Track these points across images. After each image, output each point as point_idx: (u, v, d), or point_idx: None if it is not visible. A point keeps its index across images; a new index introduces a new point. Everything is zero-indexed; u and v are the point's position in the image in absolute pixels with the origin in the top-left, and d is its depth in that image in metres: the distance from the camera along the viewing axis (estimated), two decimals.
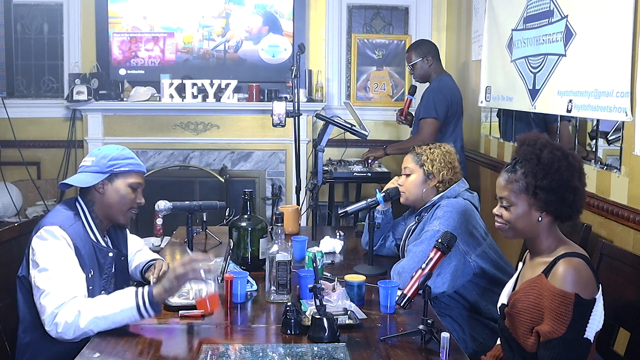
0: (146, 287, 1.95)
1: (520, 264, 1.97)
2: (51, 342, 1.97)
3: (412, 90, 4.32)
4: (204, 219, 3.02)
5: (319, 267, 2.32)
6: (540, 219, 1.82)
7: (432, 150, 2.55)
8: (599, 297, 1.72)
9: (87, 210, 2.16)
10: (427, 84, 4.14)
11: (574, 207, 1.81)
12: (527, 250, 1.93)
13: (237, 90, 5.01)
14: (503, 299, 1.95)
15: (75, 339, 1.89)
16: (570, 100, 2.71)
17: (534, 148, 1.82)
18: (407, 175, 2.58)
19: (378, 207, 2.65)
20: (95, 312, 1.89)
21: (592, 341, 1.70)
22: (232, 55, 5.22)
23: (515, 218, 1.85)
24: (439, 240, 1.95)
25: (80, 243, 2.06)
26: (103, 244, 2.18)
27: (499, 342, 2.11)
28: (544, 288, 1.72)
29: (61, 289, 1.94)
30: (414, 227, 2.55)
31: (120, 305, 1.90)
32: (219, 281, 2.28)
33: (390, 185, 2.68)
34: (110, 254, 2.16)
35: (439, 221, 2.35)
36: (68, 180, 2.17)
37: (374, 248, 2.61)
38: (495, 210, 1.91)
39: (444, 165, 2.51)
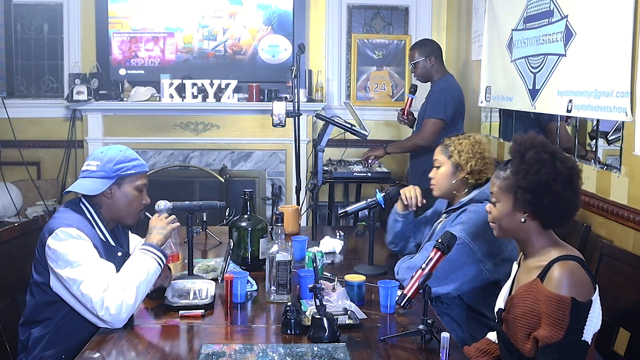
0: (152, 247, 2.10)
1: (516, 266, 1.96)
2: (62, 337, 2.04)
3: (413, 89, 4.30)
4: (204, 219, 3.02)
5: (319, 267, 2.32)
6: (523, 220, 1.81)
7: (460, 140, 2.49)
8: (596, 298, 1.72)
9: (95, 213, 2.16)
10: (428, 84, 4.14)
11: (556, 213, 1.78)
12: (522, 253, 1.92)
13: (237, 90, 5.01)
14: (500, 303, 1.94)
15: (126, 319, 1.96)
16: (570, 100, 2.71)
17: (521, 147, 1.82)
18: (437, 168, 2.54)
19: (398, 211, 2.65)
20: (133, 283, 1.98)
21: (589, 343, 1.70)
22: (232, 55, 5.23)
23: (499, 215, 1.86)
24: (439, 240, 1.95)
25: (95, 243, 2.08)
26: (113, 243, 2.19)
27: (488, 335, 2.11)
28: (539, 293, 1.71)
29: (100, 274, 1.98)
30: (440, 224, 2.53)
31: (147, 268, 2.04)
32: (220, 281, 2.29)
33: (407, 191, 2.66)
34: (119, 254, 2.16)
35: (462, 227, 2.30)
36: (74, 189, 2.14)
37: (396, 249, 2.63)
38: (487, 207, 1.93)
39: (472, 155, 2.44)
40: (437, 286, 2.24)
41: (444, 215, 2.54)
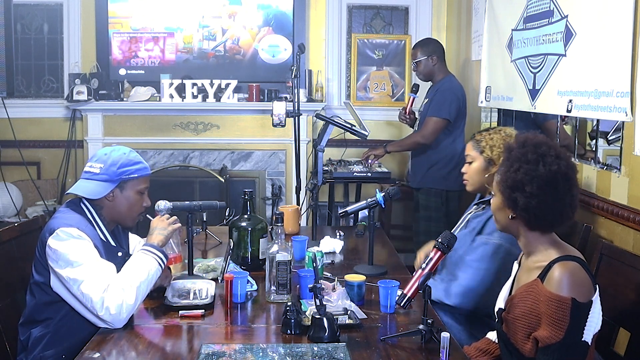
0: (153, 248, 2.10)
1: (516, 265, 1.96)
2: (62, 337, 2.04)
3: (415, 88, 4.30)
4: (204, 219, 3.02)
5: (319, 267, 2.32)
6: (510, 217, 1.82)
7: (491, 135, 2.50)
8: (596, 298, 1.72)
9: (96, 213, 2.16)
10: (429, 83, 4.14)
11: (530, 215, 1.76)
12: (522, 252, 1.93)
13: (237, 90, 5.01)
14: (500, 303, 1.95)
15: (126, 319, 1.96)
16: (570, 100, 2.71)
17: (513, 144, 1.84)
18: (470, 163, 2.53)
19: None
20: (134, 283, 1.98)
21: (590, 343, 1.70)
22: (232, 55, 5.22)
23: (494, 208, 1.89)
24: (439, 240, 1.95)
25: (96, 243, 2.08)
26: (113, 243, 2.19)
27: (488, 335, 2.11)
28: (540, 293, 1.71)
29: (101, 274, 1.98)
30: (471, 216, 2.51)
31: (147, 268, 2.04)
32: (220, 281, 2.29)
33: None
34: (120, 254, 2.17)
35: (500, 234, 2.26)
36: (76, 191, 2.14)
37: None
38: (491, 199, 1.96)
39: (503, 149, 2.45)
40: (494, 301, 2.24)
41: (474, 207, 2.54)
